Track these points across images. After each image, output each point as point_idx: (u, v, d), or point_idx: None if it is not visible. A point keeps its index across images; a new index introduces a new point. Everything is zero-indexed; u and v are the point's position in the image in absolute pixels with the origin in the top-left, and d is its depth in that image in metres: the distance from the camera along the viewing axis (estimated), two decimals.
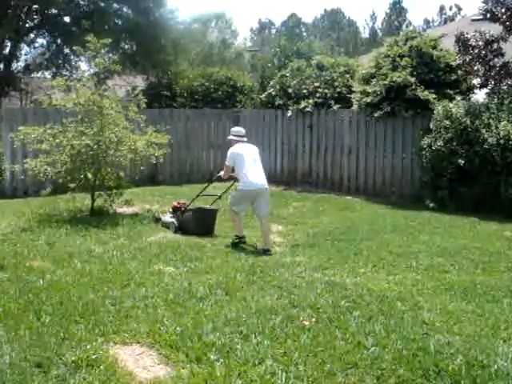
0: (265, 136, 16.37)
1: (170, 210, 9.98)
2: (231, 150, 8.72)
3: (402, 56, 13.06)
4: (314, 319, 5.44)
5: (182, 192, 13.64)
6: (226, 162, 8.75)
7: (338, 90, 14.77)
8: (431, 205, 11.84)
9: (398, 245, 8.68)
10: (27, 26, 22.00)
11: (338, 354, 4.67)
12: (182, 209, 9.70)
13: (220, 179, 9.23)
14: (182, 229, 9.48)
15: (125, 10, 22.59)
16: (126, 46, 22.43)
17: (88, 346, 4.72)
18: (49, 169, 10.53)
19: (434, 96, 12.31)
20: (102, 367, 4.39)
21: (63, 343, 4.80)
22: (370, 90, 13.20)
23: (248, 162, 8.54)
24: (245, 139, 8.93)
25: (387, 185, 13.72)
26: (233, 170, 8.81)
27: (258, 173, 8.60)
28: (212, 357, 4.57)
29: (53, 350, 4.65)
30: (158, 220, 10.11)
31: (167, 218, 9.87)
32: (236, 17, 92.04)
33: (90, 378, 4.23)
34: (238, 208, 8.78)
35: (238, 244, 8.65)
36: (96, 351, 4.64)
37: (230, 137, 9.00)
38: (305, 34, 36.71)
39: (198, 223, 9.43)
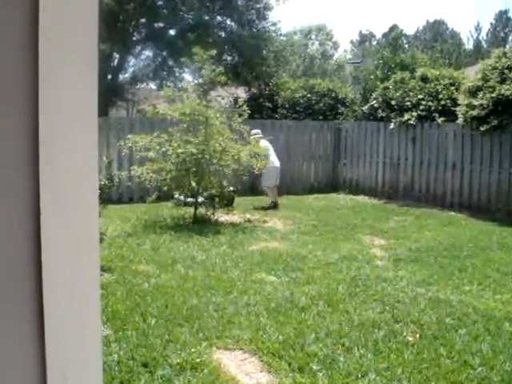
0: (366, 148, 16.21)
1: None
2: (266, 144, 12.85)
3: (510, 68, 12.62)
4: (417, 335, 5.34)
5: (281, 203, 13.68)
6: (269, 151, 12.58)
7: (443, 102, 14.42)
8: None
9: (504, 263, 8.34)
10: (134, 38, 22.82)
11: (443, 372, 4.55)
12: None
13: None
14: None
15: (228, 22, 23.02)
16: (229, 58, 22.83)
17: (192, 350, 4.82)
18: (154, 176, 10.84)
19: None
20: (205, 371, 4.47)
21: (168, 345, 4.92)
22: (476, 103, 12.81)
23: (272, 150, 13.09)
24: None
25: (493, 201, 13.24)
26: None
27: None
28: (314, 367, 4.57)
29: (158, 351, 4.78)
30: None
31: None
32: (336, 29, 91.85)
33: (194, 380, 4.32)
34: (273, 183, 13.05)
35: (274, 207, 12.91)
36: (200, 355, 4.74)
37: (258, 135, 12.73)
38: (406, 45, 36.09)
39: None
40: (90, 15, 1.15)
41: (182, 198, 11.82)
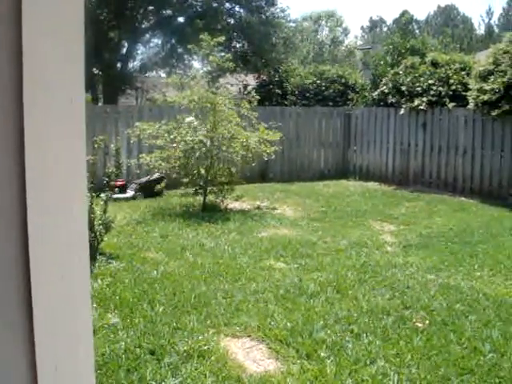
0: (377, 134, 16.09)
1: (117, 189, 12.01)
2: None
3: None
4: (427, 321, 5.29)
5: (291, 190, 13.63)
6: None
7: (453, 87, 14.27)
8: None
9: None
10: (143, 26, 22.75)
11: (452, 359, 4.50)
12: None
13: None
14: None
15: (237, 9, 22.92)
16: (238, 45, 22.75)
17: (200, 337, 4.80)
18: (163, 164, 10.82)
19: None
20: (213, 358, 4.45)
21: (176, 333, 4.90)
22: (487, 88, 12.66)
23: None
24: None
25: (504, 187, 13.11)
26: None
27: None
28: (322, 354, 4.53)
29: (166, 338, 4.76)
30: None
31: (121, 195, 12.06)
32: (346, 15, 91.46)
33: (201, 367, 4.29)
34: None
35: None
36: (207, 342, 4.71)
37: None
38: (417, 31, 35.74)
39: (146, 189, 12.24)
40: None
41: (131, 192, 12.28)
